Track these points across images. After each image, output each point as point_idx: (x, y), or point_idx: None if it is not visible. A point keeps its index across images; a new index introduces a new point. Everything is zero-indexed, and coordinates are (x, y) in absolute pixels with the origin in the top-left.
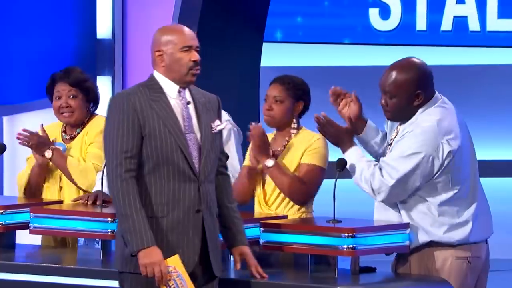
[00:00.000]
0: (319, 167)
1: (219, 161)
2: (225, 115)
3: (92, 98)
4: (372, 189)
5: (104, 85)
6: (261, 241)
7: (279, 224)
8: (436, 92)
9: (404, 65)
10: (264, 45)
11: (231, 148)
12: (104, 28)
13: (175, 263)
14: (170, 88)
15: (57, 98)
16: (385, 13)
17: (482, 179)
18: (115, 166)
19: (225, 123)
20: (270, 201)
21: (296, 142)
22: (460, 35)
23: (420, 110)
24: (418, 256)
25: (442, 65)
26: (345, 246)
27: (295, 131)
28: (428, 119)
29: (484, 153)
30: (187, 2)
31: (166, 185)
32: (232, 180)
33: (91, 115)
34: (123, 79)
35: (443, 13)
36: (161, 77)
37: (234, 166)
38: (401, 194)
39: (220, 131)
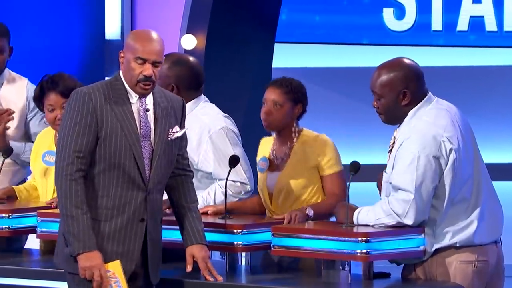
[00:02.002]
0: (340, 171)
1: (179, 164)
2: (221, 119)
3: None
4: (398, 216)
5: None
6: (272, 245)
7: (291, 228)
8: (430, 93)
9: (389, 64)
10: (276, 45)
11: (238, 155)
12: (112, 29)
13: (115, 268)
14: (132, 92)
15: (50, 110)
16: (399, 13)
17: (500, 183)
18: (66, 165)
19: (184, 130)
20: (279, 208)
21: (302, 147)
22: (477, 35)
23: (412, 112)
24: (422, 262)
25: (458, 66)
26: (359, 251)
27: (296, 134)
28: (423, 120)
29: (500, 156)
30: (197, 2)
31: (114, 190)
32: (239, 189)
33: None
34: None
35: (459, 13)
36: (124, 79)
37: (240, 173)
38: (426, 205)
39: (178, 138)
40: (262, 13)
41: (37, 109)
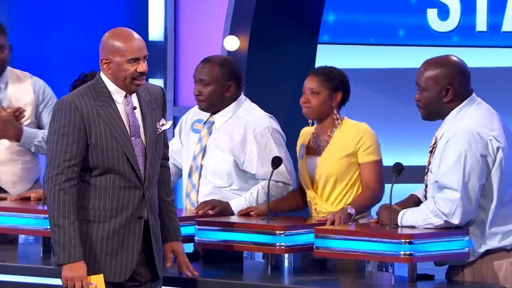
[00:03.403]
0: (378, 160)
1: (163, 154)
2: (266, 119)
3: None
4: (445, 215)
5: None
6: (315, 247)
7: (334, 230)
8: (474, 94)
9: (437, 60)
10: (319, 46)
11: (281, 155)
12: (156, 30)
13: (97, 281)
14: (116, 93)
15: None
16: (443, 13)
17: None
18: (55, 174)
19: (169, 123)
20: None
21: (341, 134)
22: None
23: (455, 111)
24: (471, 264)
25: (504, 67)
26: (402, 253)
27: (338, 121)
28: (469, 119)
29: None
30: (240, 3)
31: (111, 192)
32: (282, 189)
33: None
34: (175, 81)
35: (504, 13)
36: (107, 80)
37: (283, 173)
38: (473, 204)
39: (164, 130)
40: (305, 14)
41: (47, 100)
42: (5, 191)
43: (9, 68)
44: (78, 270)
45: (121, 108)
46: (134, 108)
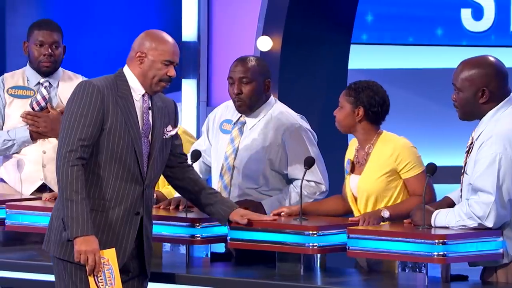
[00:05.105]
0: (419, 173)
1: (181, 159)
2: (297, 119)
3: None
4: (479, 218)
5: (189, 88)
6: (347, 247)
7: (367, 230)
8: (511, 95)
9: (474, 60)
10: (352, 47)
11: (313, 154)
12: (189, 31)
13: (110, 256)
14: (136, 90)
15: None
16: (477, 13)
17: None
18: (69, 151)
19: (177, 129)
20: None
21: (378, 151)
22: None
23: (492, 112)
24: (504, 265)
25: None
26: (436, 253)
27: (364, 138)
28: (505, 121)
29: None
30: (273, 4)
31: (113, 182)
32: (314, 189)
33: None
34: (208, 82)
35: None
36: (131, 76)
37: (315, 173)
38: (507, 207)
39: (172, 137)
40: (338, 14)
41: None
42: (51, 190)
43: (61, 69)
44: (91, 244)
45: (137, 105)
46: (149, 108)
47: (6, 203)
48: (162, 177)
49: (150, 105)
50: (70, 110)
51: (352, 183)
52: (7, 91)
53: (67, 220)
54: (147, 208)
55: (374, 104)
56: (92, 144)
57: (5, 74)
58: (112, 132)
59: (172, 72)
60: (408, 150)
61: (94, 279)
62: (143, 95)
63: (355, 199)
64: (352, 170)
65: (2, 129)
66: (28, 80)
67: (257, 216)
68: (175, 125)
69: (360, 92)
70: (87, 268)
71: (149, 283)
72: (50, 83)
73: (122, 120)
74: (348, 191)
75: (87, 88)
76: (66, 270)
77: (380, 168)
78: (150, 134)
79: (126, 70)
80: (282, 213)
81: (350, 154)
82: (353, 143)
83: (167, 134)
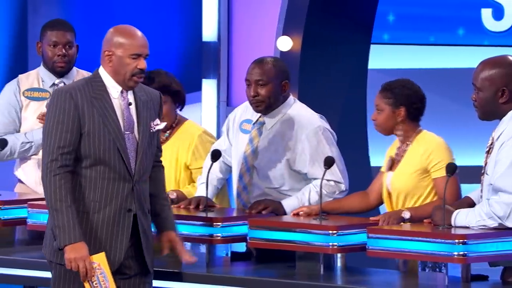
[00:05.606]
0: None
1: (155, 157)
2: (316, 118)
3: (179, 99)
4: (500, 218)
5: (209, 88)
6: (367, 247)
7: (387, 230)
8: None
9: (494, 60)
10: (372, 47)
11: (332, 154)
12: (209, 31)
13: (100, 260)
14: (113, 88)
15: None
16: (498, 13)
17: None
18: (50, 161)
19: (163, 124)
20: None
21: (414, 149)
22: None
23: None
24: None
25: None
26: (456, 253)
27: (405, 136)
28: None
29: None
30: (293, 4)
31: (101, 183)
32: (334, 188)
33: (179, 118)
34: (228, 82)
35: None
36: (106, 75)
37: (335, 173)
38: None
39: (158, 130)
40: (358, 14)
41: None
42: None
43: (75, 69)
44: (80, 251)
45: (116, 103)
46: (129, 104)
47: (28, 202)
48: (181, 177)
49: (130, 101)
50: (47, 118)
51: (387, 180)
52: (23, 93)
53: (54, 229)
54: (140, 203)
55: (415, 101)
56: (73, 149)
57: (20, 76)
58: (92, 135)
59: (142, 64)
60: (441, 150)
61: (90, 284)
62: (121, 92)
63: (389, 195)
64: (391, 168)
65: (19, 132)
66: (43, 81)
67: (179, 247)
68: (158, 117)
69: (398, 91)
70: (80, 275)
71: (170, 282)
72: (64, 84)
73: (99, 121)
74: (384, 188)
75: (60, 95)
76: (61, 274)
77: (412, 165)
78: (136, 129)
79: (101, 70)
80: (301, 213)
81: (391, 151)
82: (395, 143)
83: (154, 128)
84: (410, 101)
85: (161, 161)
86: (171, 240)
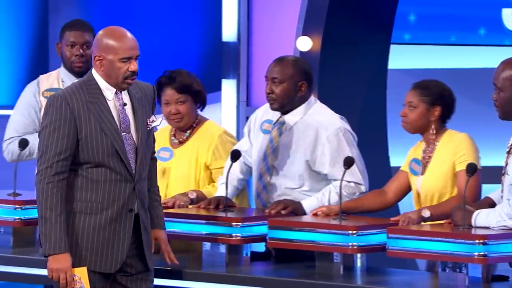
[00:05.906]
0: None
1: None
2: (337, 119)
3: (200, 99)
4: None
5: (229, 88)
6: (387, 247)
7: (407, 230)
8: None
9: None
10: (392, 47)
11: (353, 155)
12: (229, 31)
13: (81, 273)
14: (107, 90)
15: (166, 104)
16: None
17: None
18: (45, 168)
19: (160, 120)
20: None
21: (441, 148)
22: None
23: None
24: None
25: None
26: (476, 253)
27: (434, 136)
28: None
29: None
30: (313, 4)
31: (102, 185)
32: (354, 189)
33: (200, 118)
34: (248, 82)
35: None
36: (99, 78)
37: (355, 173)
38: None
39: (155, 126)
40: (378, 14)
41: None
42: None
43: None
44: (62, 262)
45: (111, 104)
46: (125, 104)
47: None
48: (201, 177)
49: (125, 101)
50: (43, 125)
51: (418, 184)
52: (42, 93)
53: (41, 237)
54: (141, 202)
55: (449, 102)
56: (70, 155)
57: (41, 76)
58: (89, 139)
59: (133, 67)
60: (466, 143)
61: None
62: (115, 93)
63: (418, 197)
64: (422, 172)
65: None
66: (62, 81)
67: (165, 246)
68: (152, 111)
69: (436, 90)
70: (60, 285)
71: (190, 282)
72: None
73: (96, 125)
74: (414, 191)
75: (55, 101)
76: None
77: (442, 165)
78: (132, 129)
79: (94, 73)
80: (319, 212)
81: (416, 154)
82: (418, 144)
83: (150, 125)
84: (445, 101)
85: (154, 152)
86: (157, 239)
